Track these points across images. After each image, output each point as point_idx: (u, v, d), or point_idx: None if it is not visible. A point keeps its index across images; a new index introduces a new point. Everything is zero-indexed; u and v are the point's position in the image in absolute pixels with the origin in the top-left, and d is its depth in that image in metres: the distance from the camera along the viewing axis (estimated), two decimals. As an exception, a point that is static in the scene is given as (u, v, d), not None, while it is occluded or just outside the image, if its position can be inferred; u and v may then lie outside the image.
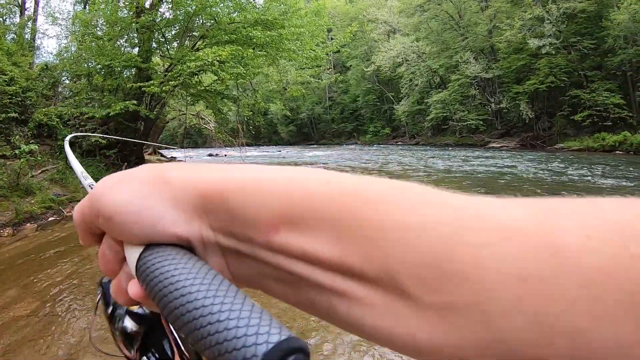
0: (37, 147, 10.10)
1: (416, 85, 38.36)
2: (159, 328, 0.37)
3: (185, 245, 0.32)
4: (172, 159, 23.24)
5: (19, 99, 11.26)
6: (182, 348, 0.35)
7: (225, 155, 28.16)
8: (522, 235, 0.21)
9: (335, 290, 0.26)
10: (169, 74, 12.55)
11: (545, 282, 0.20)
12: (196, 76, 12.88)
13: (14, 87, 11.28)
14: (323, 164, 18.64)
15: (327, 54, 19.97)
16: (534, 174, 12.69)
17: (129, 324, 0.39)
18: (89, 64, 14.43)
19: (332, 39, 24.33)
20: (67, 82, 15.80)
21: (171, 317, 0.27)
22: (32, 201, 8.59)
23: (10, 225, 7.64)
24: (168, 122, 23.73)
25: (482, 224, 0.23)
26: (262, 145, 47.78)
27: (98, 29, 14.04)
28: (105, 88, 14.06)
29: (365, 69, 42.69)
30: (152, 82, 12.12)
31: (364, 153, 26.86)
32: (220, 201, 0.30)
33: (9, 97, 11.03)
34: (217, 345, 0.23)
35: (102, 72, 14.18)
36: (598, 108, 21.92)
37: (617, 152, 19.20)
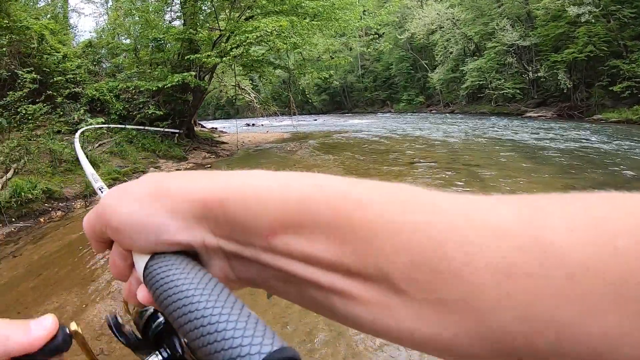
0: (103, 119, 10.84)
1: (451, 52, 37.88)
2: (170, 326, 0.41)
3: (190, 251, 0.34)
4: (214, 129, 23.91)
5: (71, 75, 11.75)
6: (189, 348, 0.41)
7: (262, 125, 28.86)
8: (509, 233, 0.23)
9: (334, 289, 0.28)
10: (225, 44, 12.67)
11: (531, 278, 0.21)
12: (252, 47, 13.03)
13: (70, 65, 11.92)
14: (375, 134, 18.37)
15: (377, 24, 19.75)
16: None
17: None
18: (136, 39, 14.90)
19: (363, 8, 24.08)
20: (109, 57, 16.26)
21: (175, 323, 0.29)
22: (98, 173, 9.12)
23: (81, 197, 8.04)
24: (208, 92, 24.33)
25: (471, 223, 0.24)
26: (293, 115, 47.84)
27: (140, 2, 14.23)
28: (153, 62, 14.45)
29: (398, 37, 42.25)
30: (208, 53, 12.26)
31: (413, 121, 27.03)
32: (219, 209, 0.31)
33: (71, 73, 11.68)
34: (215, 353, 0.24)
35: (151, 46, 14.70)
36: (638, 79, 21.38)
37: (658, 125, 18.66)
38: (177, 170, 10.75)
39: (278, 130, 23.51)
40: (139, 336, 0.40)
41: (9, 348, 0.30)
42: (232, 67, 15.27)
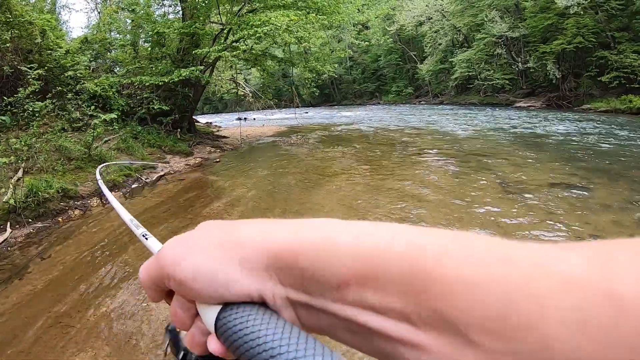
0: (115, 115, 10.66)
1: (439, 44, 38.19)
2: None
3: (258, 301, 0.33)
4: (209, 124, 23.85)
5: (72, 72, 11.46)
6: None
7: (254, 119, 28.96)
8: (581, 284, 0.23)
9: (403, 339, 0.27)
10: (228, 38, 12.49)
11: (604, 329, 0.21)
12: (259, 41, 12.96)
13: (77, 59, 11.73)
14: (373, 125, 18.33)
15: (376, 17, 19.73)
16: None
17: None
18: (134, 34, 14.69)
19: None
20: (105, 53, 15.97)
21: None
22: (109, 170, 8.80)
23: (96, 194, 7.82)
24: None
25: (543, 275, 0.24)
26: (284, 108, 47.78)
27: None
28: (153, 57, 14.26)
29: (387, 28, 42.34)
30: (217, 47, 12.17)
31: (405, 112, 27.11)
32: (291, 261, 0.31)
33: (71, 70, 11.36)
34: None
35: (150, 41, 14.44)
36: (625, 70, 21.82)
37: (644, 114, 19.01)
38: (186, 165, 10.81)
39: (272, 123, 23.53)
40: None
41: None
42: (234, 61, 15.20)
